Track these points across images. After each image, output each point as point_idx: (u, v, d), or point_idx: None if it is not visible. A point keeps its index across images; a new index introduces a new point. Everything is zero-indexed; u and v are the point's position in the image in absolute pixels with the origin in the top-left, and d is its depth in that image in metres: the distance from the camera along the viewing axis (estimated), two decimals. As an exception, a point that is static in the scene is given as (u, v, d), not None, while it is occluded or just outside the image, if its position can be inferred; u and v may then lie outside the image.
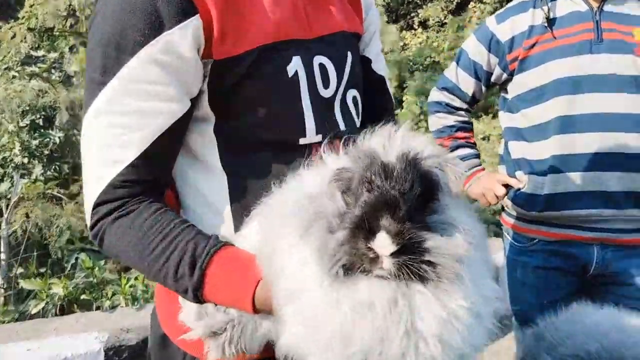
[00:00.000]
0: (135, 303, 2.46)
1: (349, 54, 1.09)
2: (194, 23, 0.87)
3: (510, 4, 1.91)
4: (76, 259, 2.99)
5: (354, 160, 0.72)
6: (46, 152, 6.56)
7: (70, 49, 6.67)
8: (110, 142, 0.89)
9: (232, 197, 0.98)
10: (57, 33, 6.42)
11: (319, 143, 0.95)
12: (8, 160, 6.10)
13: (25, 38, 6.37)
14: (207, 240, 0.89)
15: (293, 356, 0.75)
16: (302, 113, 0.99)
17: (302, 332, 0.70)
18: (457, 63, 1.98)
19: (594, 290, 1.80)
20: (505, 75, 1.89)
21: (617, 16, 1.74)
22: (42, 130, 6.47)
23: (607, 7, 1.74)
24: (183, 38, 0.87)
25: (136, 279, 2.64)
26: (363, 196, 0.68)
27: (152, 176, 0.92)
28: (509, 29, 1.84)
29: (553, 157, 1.74)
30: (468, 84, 1.96)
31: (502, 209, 2.01)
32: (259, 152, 0.98)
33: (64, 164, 6.66)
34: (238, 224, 0.96)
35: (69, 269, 3.01)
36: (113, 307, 2.44)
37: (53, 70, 6.92)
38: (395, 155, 0.69)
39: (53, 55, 6.73)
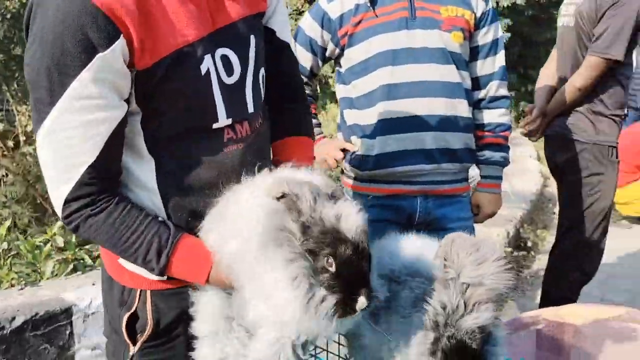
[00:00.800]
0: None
1: (252, 37, 1.23)
2: (120, 43, 1.03)
3: (339, -17, 2.10)
4: None
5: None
6: None
7: None
8: (67, 153, 1.06)
9: (159, 178, 1.16)
10: None
11: (230, 125, 1.18)
12: None
13: None
14: (168, 232, 1.13)
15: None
16: (214, 102, 1.16)
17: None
18: (295, 39, 2.13)
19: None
20: (337, 50, 2.08)
21: None
22: None
23: None
24: (113, 56, 1.03)
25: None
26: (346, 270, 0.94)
27: (111, 173, 1.12)
28: (338, 8, 2.03)
29: (379, 121, 1.97)
30: (306, 59, 2.12)
31: (342, 171, 2.21)
32: (179, 139, 1.16)
33: None
34: (165, 200, 1.17)
35: None
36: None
37: None
38: (353, 234, 0.95)
39: None
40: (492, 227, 4.64)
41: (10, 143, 6.99)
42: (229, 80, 1.18)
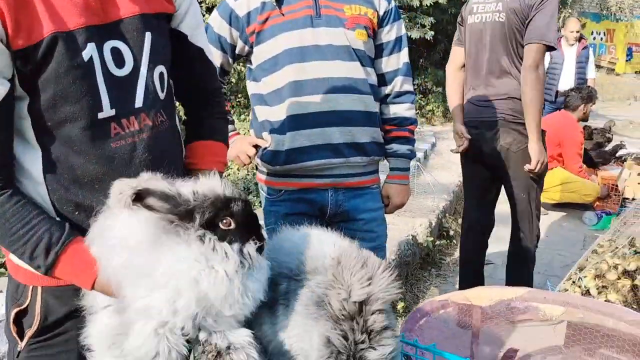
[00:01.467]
0: None
1: (149, 34, 1.25)
2: None
3: (245, -19, 2.13)
4: None
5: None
6: None
7: None
8: None
9: (45, 168, 1.17)
10: None
11: (115, 118, 1.20)
12: None
13: None
14: (62, 231, 1.13)
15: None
16: (97, 91, 1.17)
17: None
18: (205, 37, 2.14)
19: (333, 228, 2.13)
20: (247, 48, 2.11)
21: None
22: None
23: None
24: None
25: None
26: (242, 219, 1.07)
27: (3, 158, 1.12)
28: (245, 5, 2.05)
29: (289, 117, 2.02)
30: (216, 57, 2.13)
31: (256, 167, 2.25)
32: (65, 127, 1.16)
33: None
34: (52, 194, 1.18)
35: None
36: None
37: None
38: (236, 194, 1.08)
39: None
40: (416, 217, 4.82)
41: None
42: (119, 73, 1.20)
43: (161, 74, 1.30)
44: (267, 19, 2.03)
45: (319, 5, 2.03)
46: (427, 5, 9.56)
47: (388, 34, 2.15)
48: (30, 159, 1.18)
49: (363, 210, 2.14)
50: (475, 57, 3.18)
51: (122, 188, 1.00)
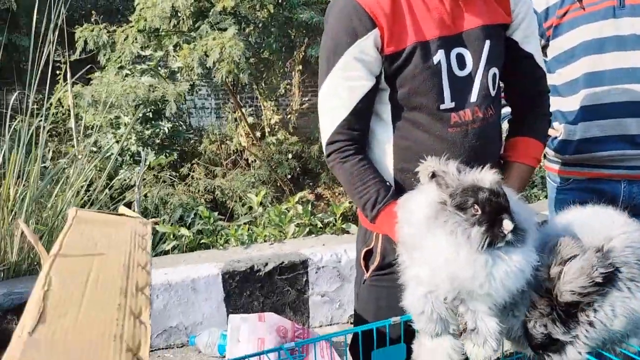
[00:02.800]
0: (244, 244, 3.05)
1: (487, 42, 1.51)
2: (375, 33, 1.43)
3: (545, -19, 2.22)
4: (195, 213, 3.63)
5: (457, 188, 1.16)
6: (157, 141, 7.41)
7: (174, 47, 7.41)
8: (333, 107, 1.50)
9: (395, 142, 1.53)
10: (163, 33, 7.17)
11: (454, 109, 1.48)
12: (125, 149, 6.95)
13: (136, 39, 7.15)
14: (387, 193, 1.47)
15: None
16: (442, 87, 1.47)
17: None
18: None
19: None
20: (543, 41, 2.21)
21: None
22: (153, 122, 7.30)
23: None
24: (368, 41, 1.43)
25: (241, 227, 3.25)
26: (488, 207, 1.13)
27: (359, 128, 1.51)
28: (544, 1, 2.16)
29: (582, 108, 2.05)
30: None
31: (544, 156, 2.33)
32: (415, 113, 1.49)
33: (173, 151, 7.49)
34: (396, 162, 1.53)
35: (189, 222, 3.67)
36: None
37: (159, 67, 7.76)
38: (489, 185, 1.15)
39: (159, 53, 7.51)
40: None
41: (258, 134, 8.23)
42: (460, 73, 1.50)
43: (494, 75, 1.55)
44: (566, 13, 2.10)
45: (623, -5, 2.00)
46: None
47: None
48: (385, 134, 1.55)
49: (660, 206, 2.04)
50: None
51: (426, 166, 1.26)
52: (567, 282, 1.10)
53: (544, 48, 2.23)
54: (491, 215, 1.11)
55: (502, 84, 1.63)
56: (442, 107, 1.48)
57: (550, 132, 2.18)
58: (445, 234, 1.13)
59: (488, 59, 1.51)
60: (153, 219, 1.39)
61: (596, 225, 1.29)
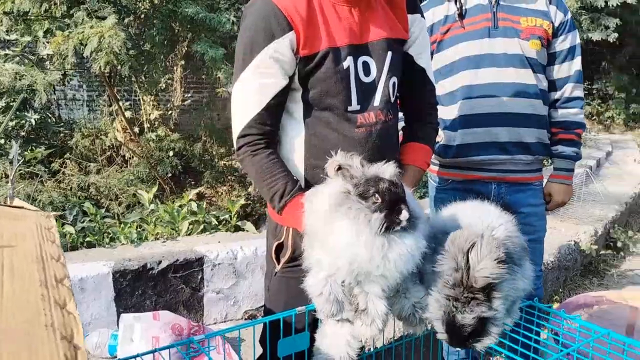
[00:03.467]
0: (134, 242, 2.96)
1: (389, 53, 1.64)
2: (291, 35, 1.52)
3: (430, -2, 2.45)
4: (79, 208, 3.43)
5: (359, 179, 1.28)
6: (22, 133, 6.81)
7: (45, 33, 6.88)
8: (246, 103, 1.57)
9: (306, 140, 1.61)
10: (33, 17, 6.64)
11: (360, 112, 1.60)
12: (-14, 140, 6.30)
13: (1, 22, 6.55)
14: (293, 186, 1.55)
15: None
16: (350, 91, 1.58)
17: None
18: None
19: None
20: (428, 55, 2.43)
21: (509, 8, 2.29)
22: (17, 112, 6.70)
23: (502, 1, 2.29)
24: (284, 42, 1.51)
25: (130, 226, 3.14)
26: (387, 196, 1.25)
27: (270, 124, 1.58)
28: (430, 18, 2.37)
29: (460, 117, 2.30)
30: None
31: (427, 159, 2.56)
32: (326, 113, 1.59)
33: (41, 145, 6.93)
34: (306, 158, 1.62)
35: (71, 219, 3.47)
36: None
37: (26, 53, 7.14)
38: (389, 176, 1.27)
39: (26, 38, 6.93)
40: (580, 224, 4.75)
41: (136, 129, 7.89)
42: (366, 79, 1.62)
43: (394, 83, 1.69)
44: (448, 30, 2.33)
45: (497, 18, 2.28)
46: (613, 5, 8.98)
47: (562, 44, 2.32)
48: (296, 131, 1.63)
49: (524, 205, 2.34)
50: None
51: (333, 160, 1.35)
52: (478, 270, 1.24)
53: (428, 61, 2.46)
54: (390, 204, 1.24)
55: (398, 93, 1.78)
56: (350, 108, 1.60)
57: (433, 137, 2.41)
58: (348, 219, 1.25)
59: (389, 69, 1.65)
60: (54, 213, 1.35)
61: (477, 217, 1.46)
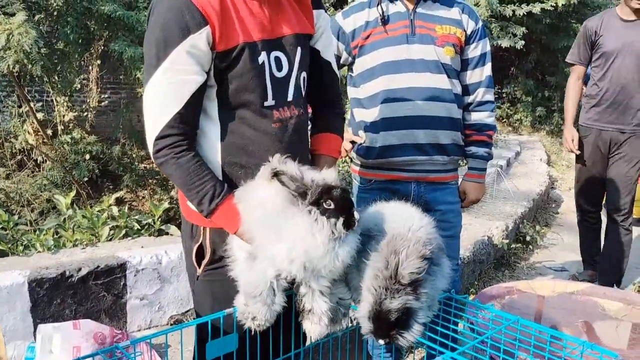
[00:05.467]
0: (51, 249, 2.83)
1: (299, 48, 1.66)
2: (207, 30, 1.47)
3: (352, 4, 2.53)
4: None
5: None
6: None
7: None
8: (162, 102, 1.50)
9: (222, 137, 1.59)
10: None
11: (275, 107, 1.60)
12: None
13: None
14: (223, 188, 1.52)
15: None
16: (265, 86, 1.57)
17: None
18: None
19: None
20: (350, 59, 2.51)
21: (425, 16, 2.41)
22: None
23: (419, 9, 2.40)
24: (201, 37, 1.47)
25: (46, 233, 3.00)
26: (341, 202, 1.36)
27: (190, 124, 1.54)
28: (351, 24, 2.45)
29: (381, 119, 2.39)
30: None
31: (351, 160, 2.64)
32: (242, 109, 1.58)
33: None
34: (223, 156, 1.59)
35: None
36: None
37: None
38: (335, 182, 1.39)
39: None
40: (493, 220, 5.03)
41: (49, 131, 7.51)
42: (278, 74, 1.63)
43: (304, 78, 1.72)
44: (369, 35, 2.42)
45: (414, 26, 2.39)
46: (520, 15, 9.58)
47: (474, 51, 2.46)
48: (212, 129, 1.60)
49: (441, 202, 2.47)
50: None
51: (268, 167, 1.41)
52: (405, 267, 1.34)
53: (351, 64, 2.54)
54: (344, 209, 1.36)
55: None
56: (266, 104, 1.59)
57: (356, 139, 2.49)
58: (305, 222, 1.34)
59: (300, 64, 1.67)
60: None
61: (399, 218, 1.55)
